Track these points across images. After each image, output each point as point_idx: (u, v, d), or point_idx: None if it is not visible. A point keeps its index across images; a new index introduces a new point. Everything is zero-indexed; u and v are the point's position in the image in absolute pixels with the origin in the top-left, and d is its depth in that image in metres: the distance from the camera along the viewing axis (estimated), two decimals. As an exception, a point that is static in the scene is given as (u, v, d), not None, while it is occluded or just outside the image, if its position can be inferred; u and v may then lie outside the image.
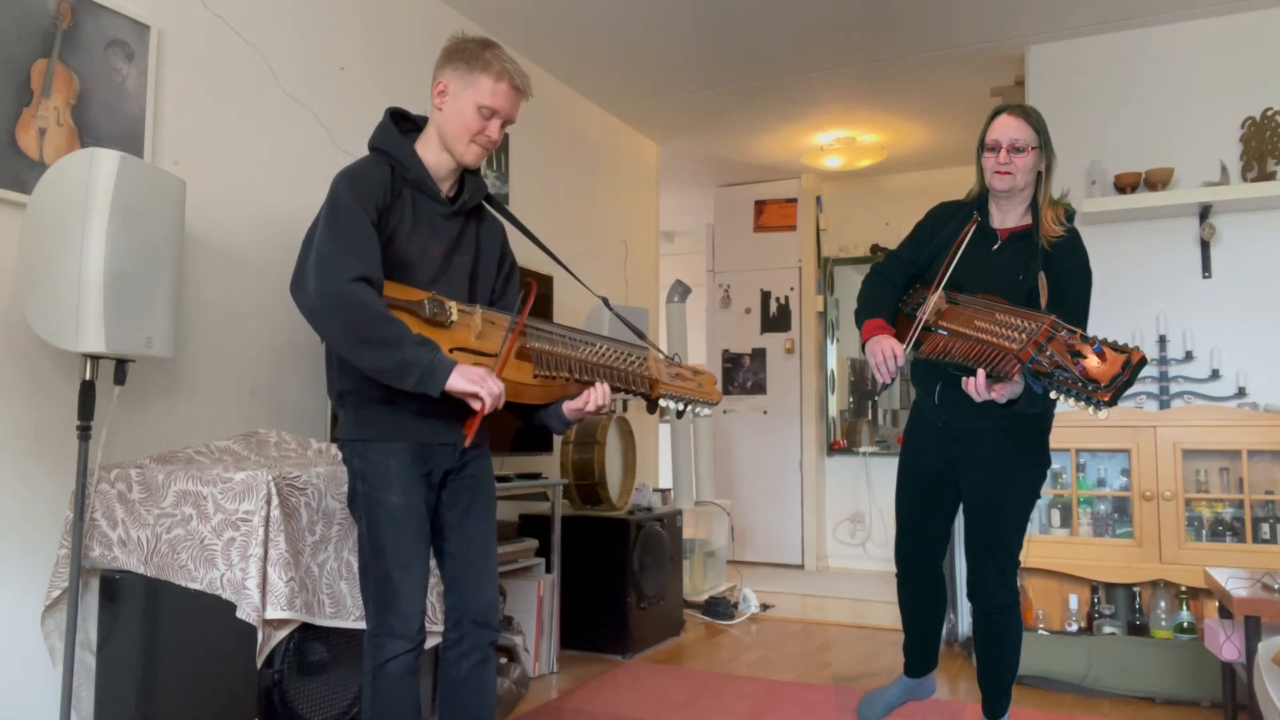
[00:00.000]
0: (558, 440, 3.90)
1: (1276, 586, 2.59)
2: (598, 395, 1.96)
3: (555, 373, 1.95)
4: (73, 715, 2.11)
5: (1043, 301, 2.30)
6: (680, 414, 2.10)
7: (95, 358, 2.11)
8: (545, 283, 3.71)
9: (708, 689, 3.28)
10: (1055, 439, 2.57)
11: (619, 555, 3.74)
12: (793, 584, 5.54)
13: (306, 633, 2.09)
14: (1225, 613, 2.79)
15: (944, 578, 2.78)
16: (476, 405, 1.79)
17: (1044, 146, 2.43)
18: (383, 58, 3.41)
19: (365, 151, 1.96)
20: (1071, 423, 3.36)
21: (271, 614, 1.95)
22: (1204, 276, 3.74)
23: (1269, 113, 3.65)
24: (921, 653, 2.84)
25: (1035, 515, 3.45)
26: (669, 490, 4.79)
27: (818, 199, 6.42)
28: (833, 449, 6.32)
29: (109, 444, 2.29)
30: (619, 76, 4.57)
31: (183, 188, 2.22)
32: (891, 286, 2.61)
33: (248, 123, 2.87)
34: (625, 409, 4.62)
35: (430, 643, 2.08)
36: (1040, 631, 3.40)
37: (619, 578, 3.74)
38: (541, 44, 4.16)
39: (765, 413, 6.31)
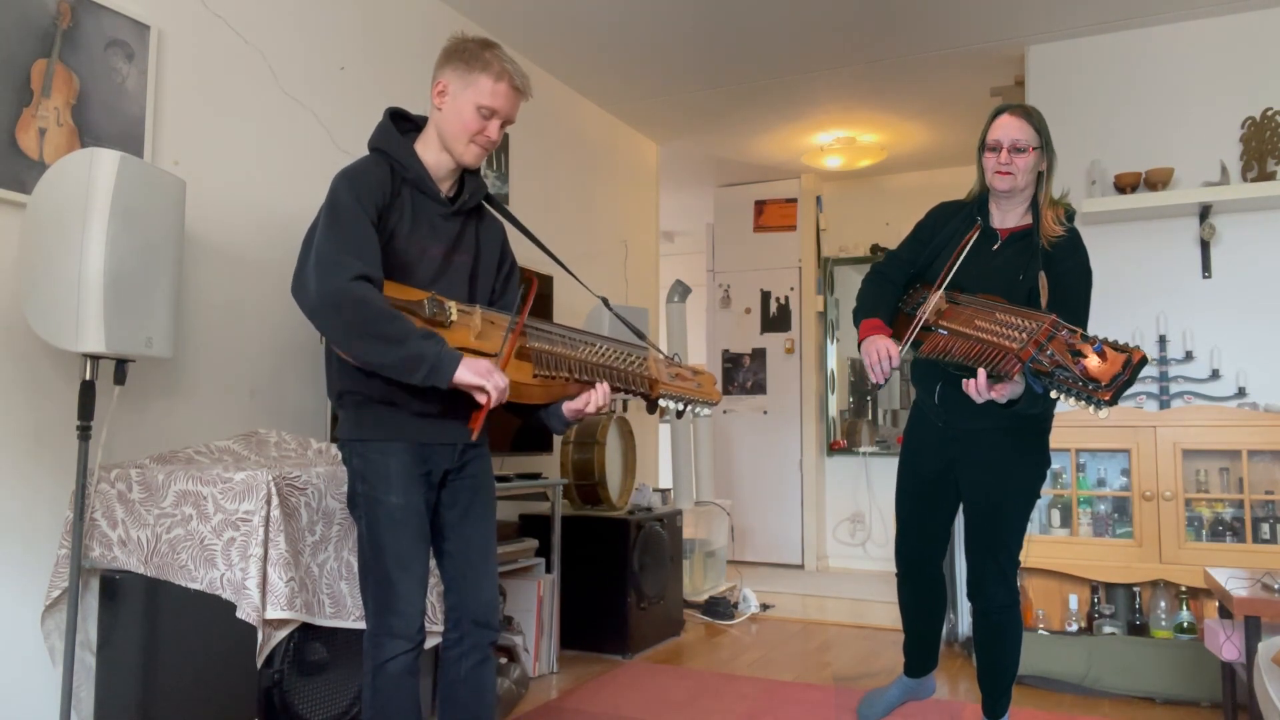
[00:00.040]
0: (558, 440, 3.90)
1: (1276, 586, 2.59)
2: (598, 397, 1.96)
3: (555, 373, 1.95)
4: (73, 715, 2.11)
5: (1043, 301, 2.30)
6: (680, 414, 2.10)
7: (95, 358, 2.11)
8: (545, 283, 3.71)
9: (708, 689, 3.28)
10: (1055, 439, 2.57)
11: (619, 555, 3.74)
12: (793, 584, 5.54)
13: (306, 633, 2.09)
14: (1225, 613, 2.79)
15: (944, 578, 2.78)
16: (482, 399, 1.79)
17: (1045, 147, 2.43)
18: (383, 58, 3.41)
19: (365, 151, 1.96)
20: (1071, 423, 3.36)
21: (271, 614, 1.95)
22: (1204, 276, 3.74)
23: (1269, 113, 3.65)
24: (921, 653, 2.84)
25: (1035, 515, 3.45)
26: (669, 490, 4.78)
27: (818, 199, 6.42)
28: (833, 449, 6.32)
29: (109, 444, 2.29)
30: (619, 76, 4.57)
31: (183, 188, 2.22)
32: (891, 286, 2.61)
33: (248, 123, 2.87)
34: (625, 409, 4.62)
35: (430, 643, 2.08)
36: (1040, 631, 3.40)
37: (619, 578, 3.74)
38: (541, 44, 4.16)
39: (765, 413, 6.31)
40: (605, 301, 2.30)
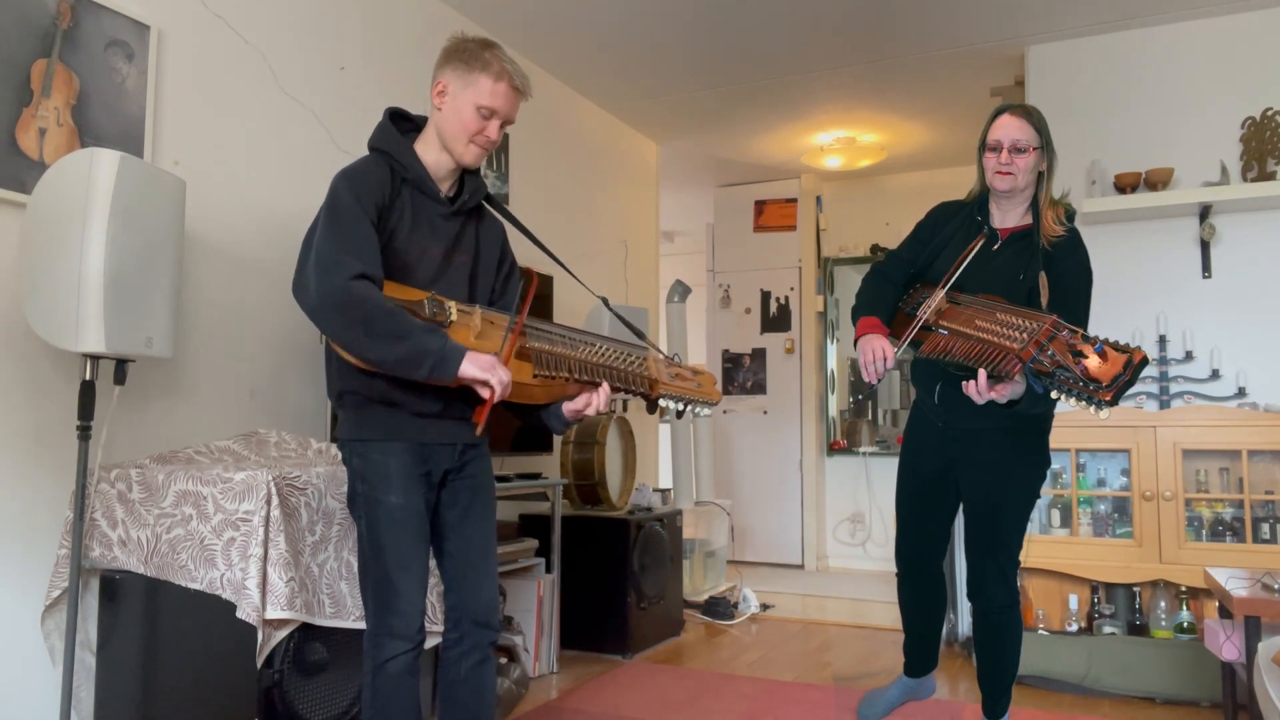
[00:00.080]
0: (558, 440, 3.90)
1: (1276, 586, 2.59)
2: (599, 400, 1.96)
3: (555, 372, 1.95)
4: (73, 715, 2.11)
5: (1043, 301, 2.30)
6: (680, 414, 2.10)
7: (95, 358, 2.11)
8: (545, 283, 3.71)
9: (708, 689, 3.28)
10: (1055, 439, 2.57)
11: (619, 555, 3.74)
12: (793, 584, 5.54)
13: (306, 633, 2.09)
14: (1225, 613, 2.79)
15: (944, 578, 2.78)
16: (485, 393, 1.79)
17: (1045, 147, 2.43)
18: (383, 58, 3.41)
19: (365, 151, 1.96)
20: (1071, 423, 3.36)
21: (271, 614, 1.95)
22: (1204, 276, 3.74)
23: (1269, 113, 3.65)
24: (921, 653, 2.84)
25: (1035, 515, 3.45)
26: (669, 490, 4.78)
27: (818, 199, 6.42)
28: (833, 449, 6.32)
29: (109, 444, 2.29)
30: (619, 76, 4.57)
31: (183, 188, 2.22)
32: (891, 286, 2.60)
33: (248, 123, 2.87)
34: (625, 409, 4.62)
35: (430, 643, 2.08)
36: (1040, 631, 3.40)
37: (619, 578, 3.74)
38: (541, 44, 4.16)
39: (765, 413, 6.31)
40: (605, 301, 2.30)
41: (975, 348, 2.24)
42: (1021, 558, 2.56)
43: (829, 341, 6.42)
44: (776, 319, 6.36)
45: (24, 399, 2.25)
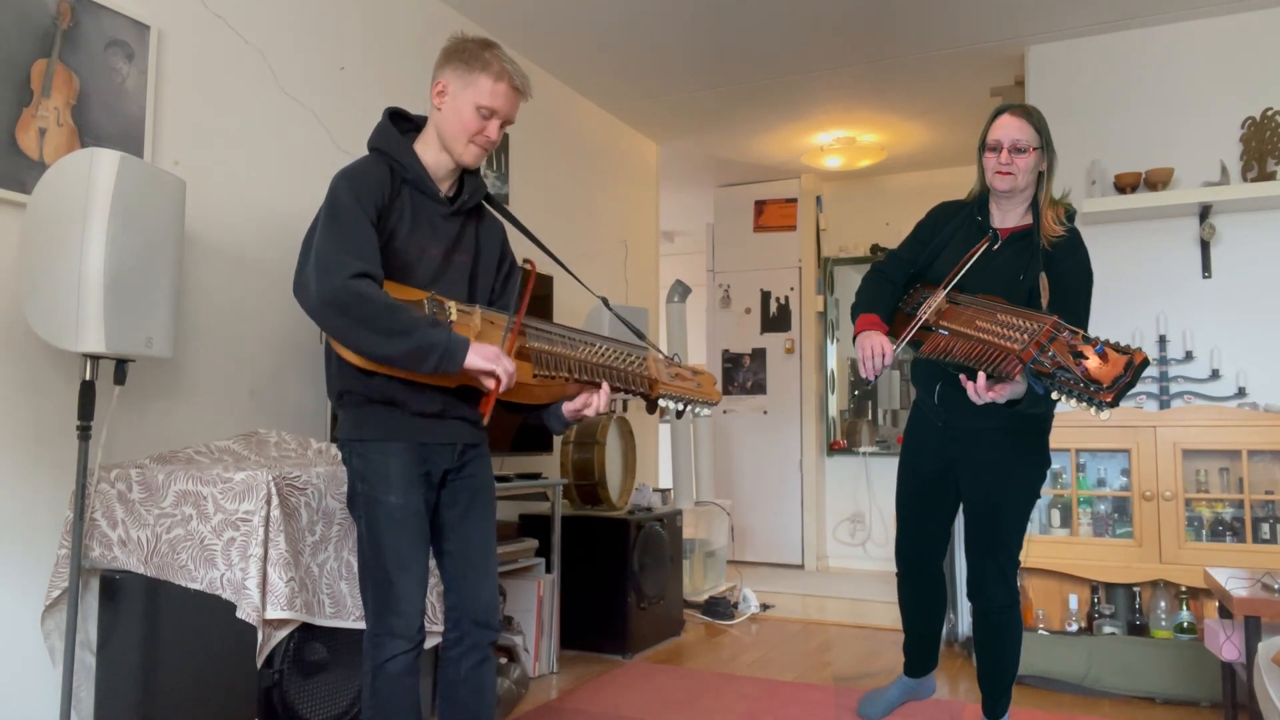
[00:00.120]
0: (558, 440, 3.90)
1: (1276, 586, 2.59)
2: (599, 400, 1.96)
3: (555, 372, 1.95)
4: (73, 715, 2.11)
5: (1044, 301, 2.30)
6: (680, 414, 2.10)
7: (95, 358, 2.11)
8: (545, 283, 3.71)
9: (708, 689, 3.28)
10: (1055, 439, 2.57)
11: (619, 555, 3.74)
12: (793, 584, 5.54)
13: (306, 633, 2.09)
14: (1225, 613, 2.79)
15: (944, 578, 2.79)
16: (490, 384, 1.80)
17: (1045, 147, 2.43)
18: (383, 58, 3.41)
19: (365, 151, 1.96)
20: (1071, 423, 3.36)
21: (271, 614, 1.95)
22: (1204, 276, 3.74)
23: (1269, 113, 3.65)
24: (921, 653, 2.85)
25: (1035, 515, 3.45)
26: (669, 490, 4.78)
27: (818, 199, 6.42)
28: (833, 449, 6.32)
29: (109, 444, 2.29)
30: (619, 76, 4.57)
31: (183, 188, 2.22)
32: (891, 285, 2.61)
33: (248, 123, 2.87)
34: (625, 409, 4.62)
35: (430, 643, 2.08)
36: (1040, 631, 3.40)
37: (619, 578, 3.74)
38: (541, 44, 4.16)
39: (765, 413, 6.31)
40: (605, 301, 2.30)
41: (976, 348, 2.24)
42: (1021, 558, 2.56)
43: (829, 341, 6.42)
44: (776, 319, 6.36)
45: (24, 399, 2.25)
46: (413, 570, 1.88)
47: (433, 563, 2.02)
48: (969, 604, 2.62)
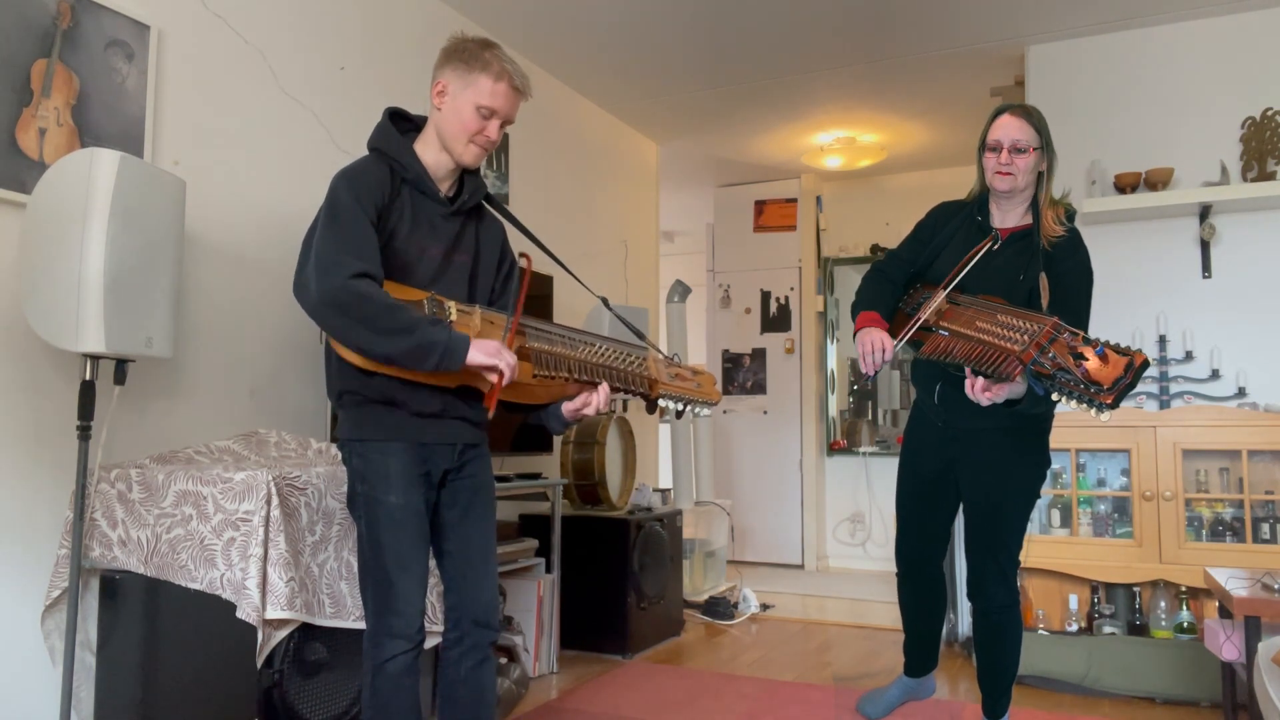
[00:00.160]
0: (558, 440, 3.90)
1: (1276, 586, 2.59)
2: (598, 399, 1.96)
3: (555, 373, 1.95)
4: (73, 715, 2.11)
5: (1044, 302, 2.30)
6: (680, 414, 2.10)
7: (95, 358, 2.11)
8: (545, 283, 3.71)
9: (708, 689, 3.28)
10: (1055, 439, 2.57)
11: (619, 555, 3.74)
12: (793, 584, 5.54)
13: (306, 633, 2.09)
14: (1225, 613, 2.79)
15: (944, 578, 2.78)
16: (494, 378, 1.80)
17: (1045, 147, 2.43)
18: (383, 58, 3.41)
19: (365, 151, 1.96)
20: (1071, 423, 3.36)
21: (271, 614, 1.95)
22: (1204, 276, 3.74)
23: (1269, 113, 3.65)
24: (921, 653, 2.85)
25: (1035, 515, 3.45)
26: (669, 490, 4.78)
27: (818, 199, 6.42)
28: (833, 449, 6.32)
29: (109, 444, 2.29)
30: (619, 76, 4.57)
31: (183, 188, 2.22)
32: (891, 285, 2.60)
33: (248, 123, 2.87)
34: (625, 409, 4.62)
35: (430, 643, 2.08)
36: (1040, 631, 3.40)
37: (619, 578, 3.74)
38: (541, 44, 4.16)
39: (765, 413, 6.31)
40: (605, 301, 2.30)
41: (976, 349, 2.24)
42: (1021, 558, 2.56)
43: (829, 341, 6.42)
44: (776, 319, 6.36)
45: (24, 399, 2.25)
46: (413, 570, 1.89)
47: (433, 563, 2.02)
48: (969, 604, 2.62)
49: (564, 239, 4.55)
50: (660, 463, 5.69)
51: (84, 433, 2.10)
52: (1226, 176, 3.67)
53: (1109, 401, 2.01)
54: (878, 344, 2.36)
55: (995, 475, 2.49)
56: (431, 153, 1.95)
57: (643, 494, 4.21)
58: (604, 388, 1.98)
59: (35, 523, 2.26)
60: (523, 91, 1.96)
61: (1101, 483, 3.62)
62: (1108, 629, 3.37)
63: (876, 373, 2.35)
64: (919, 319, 2.41)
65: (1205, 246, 3.73)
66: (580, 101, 4.83)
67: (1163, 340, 3.75)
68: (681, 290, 5.18)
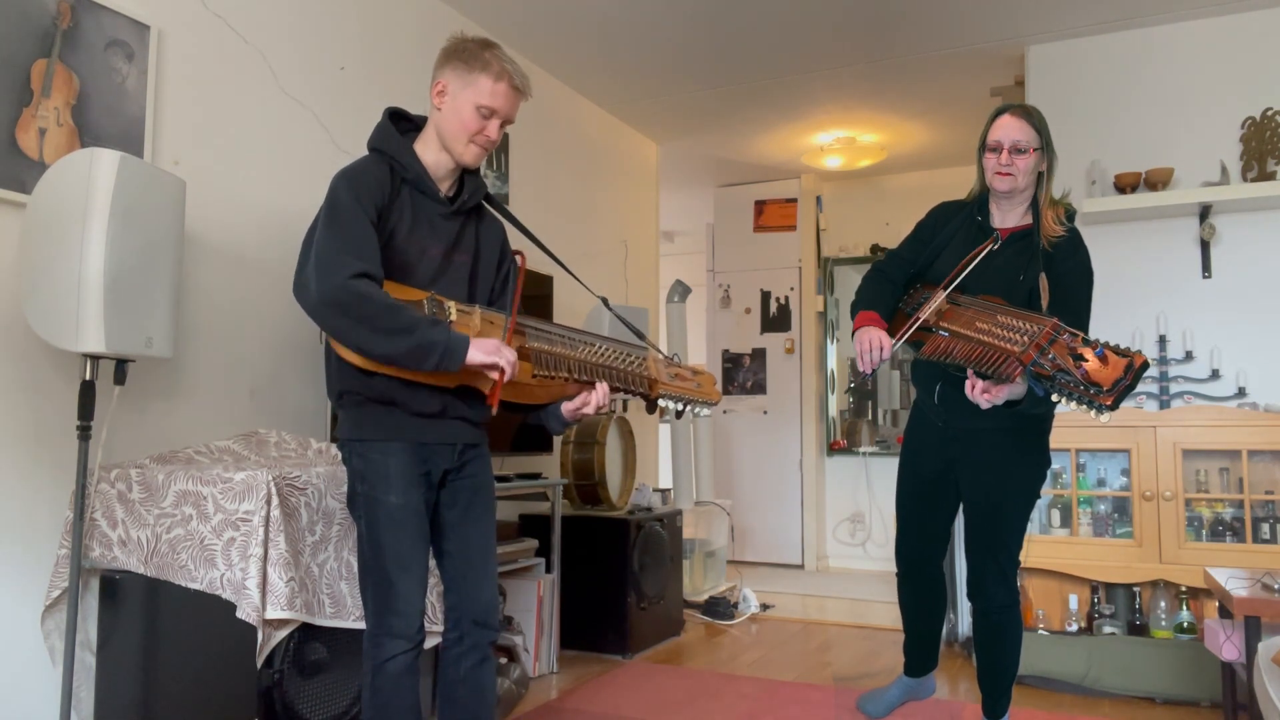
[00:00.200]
0: (558, 440, 3.90)
1: (1276, 586, 2.59)
2: (597, 397, 1.96)
3: (554, 372, 1.95)
4: (73, 715, 2.11)
5: (1044, 302, 2.30)
6: (679, 414, 2.10)
7: (95, 358, 2.11)
8: (545, 283, 3.72)
9: (708, 689, 3.28)
10: (1055, 439, 2.57)
11: (619, 555, 3.74)
12: (793, 584, 5.54)
13: (306, 633, 2.09)
14: (1225, 613, 2.79)
15: (944, 577, 2.78)
16: (495, 375, 1.80)
17: (1046, 147, 2.43)
18: (383, 58, 3.41)
19: (365, 151, 1.96)
20: (1071, 423, 3.36)
21: (271, 614, 1.95)
22: (1204, 276, 3.74)
23: (1269, 113, 3.65)
24: (921, 652, 2.85)
25: (1035, 515, 3.45)
26: (669, 490, 4.79)
27: (818, 199, 6.42)
28: (833, 449, 6.32)
29: (109, 444, 2.28)
30: (619, 76, 4.57)
31: (183, 188, 2.22)
32: (891, 285, 2.60)
33: (248, 123, 2.87)
34: (625, 409, 4.62)
35: (430, 642, 2.08)
36: (1040, 631, 3.40)
37: (619, 578, 3.74)
38: (541, 44, 4.16)
39: (765, 413, 6.31)
40: (605, 301, 2.30)
41: (976, 350, 2.24)
42: (1021, 558, 2.56)
43: (829, 341, 6.42)
44: (776, 319, 6.36)
45: (24, 399, 2.25)
46: (413, 570, 1.89)
47: (433, 563, 2.02)
48: (969, 604, 2.62)
49: (564, 239, 4.56)
50: (660, 463, 5.70)
51: (84, 433, 2.10)
52: (1226, 176, 3.67)
53: (1108, 403, 2.01)
54: (875, 343, 2.36)
55: (995, 475, 2.49)
56: (431, 152, 1.95)
57: (643, 494, 4.21)
58: (603, 386, 1.98)
59: (35, 523, 2.26)
60: (523, 91, 1.96)
61: (1101, 483, 3.62)
62: (1108, 629, 3.37)
63: (874, 371, 2.35)
64: (918, 319, 2.41)
65: (1205, 246, 3.73)
66: (580, 101, 4.83)
67: (1163, 340, 3.75)
68: (681, 290, 5.18)
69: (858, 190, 6.49)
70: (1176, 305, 3.76)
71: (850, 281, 6.28)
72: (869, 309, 2.51)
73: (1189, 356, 3.71)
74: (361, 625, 2.01)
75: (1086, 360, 2.07)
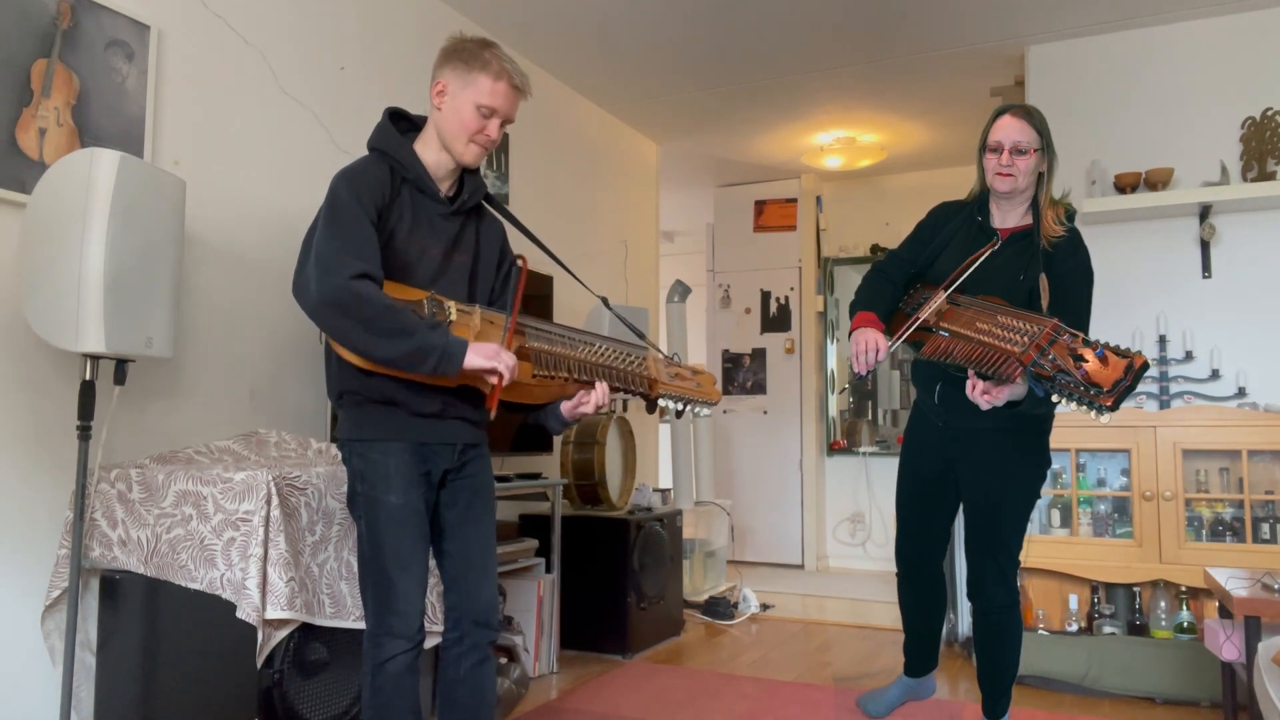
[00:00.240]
0: (558, 440, 3.90)
1: (1276, 586, 2.59)
2: (597, 395, 1.96)
3: (554, 372, 1.95)
4: (73, 715, 2.11)
5: (1044, 302, 2.30)
6: (679, 414, 2.10)
7: (95, 358, 2.11)
8: (545, 283, 3.71)
9: (708, 689, 3.28)
10: (1055, 439, 2.57)
11: (619, 555, 3.74)
12: (793, 584, 5.54)
13: (306, 633, 2.09)
14: (1225, 613, 2.79)
15: (944, 578, 2.78)
16: (494, 380, 1.80)
17: (1046, 148, 2.43)
18: (383, 58, 3.41)
19: (365, 151, 1.96)
20: (1071, 423, 3.35)
21: (271, 614, 1.95)
22: (1204, 276, 3.74)
23: (1269, 113, 3.65)
24: (921, 653, 2.85)
25: (1035, 515, 3.45)
26: (669, 490, 4.78)
27: (818, 199, 6.42)
28: (833, 449, 6.32)
29: (109, 444, 2.29)
30: (619, 76, 4.57)
31: (183, 188, 2.22)
32: (890, 285, 2.60)
33: (248, 123, 2.87)
34: (625, 409, 4.62)
35: (430, 642, 2.08)
36: (1040, 631, 3.40)
37: (619, 578, 3.74)
38: (541, 44, 4.16)
39: (765, 413, 6.31)
40: (605, 301, 2.30)
41: (976, 350, 2.24)
42: (1021, 558, 2.56)
43: (829, 341, 6.42)
44: (776, 319, 6.36)
45: (24, 399, 2.25)
46: (413, 570, 1.89)
47: (433, 563, 2.02)
48: (969, 604, 2.62)
49: (564, 239, 4.56)
50: (660, 463, 5.70)
51: (84, 433, 2.10)
52: (1226, 176, 3.67)
53: (1109, 404, 2.01)
54: (871, 344, 2.37)
55: (995, 475, 2.49)
56: (431, 152, 1.95)
57: (643, 494, 4.21)
58: (603, 385, 1.98)
59: (35, 523, 2.26)
60: (522, 90, 1.96)
61: (1101, 483, 3.62)
62: (1108, 629, 3.37)
63: (869, 373, 2.36)
64: (917, 319, 2.41)
65: (1205, 246, 3.73)
66: (580, 101, 4.83)
67: (1163, 340, 3.75)
68: (681, 290, 5.18)
69: (858, 190, 6.49)
70: (1176, 305, 3.76)
71: (850, 281, 6.28)
72: (867, 310, 2.51)
73: (1189, 356, 3.71)
74: (361, 625, 2.01)
75: (1087, 361, 2.07)
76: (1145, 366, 2.03)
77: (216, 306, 2.73)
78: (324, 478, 2.16)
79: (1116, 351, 2.06)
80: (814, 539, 6.13)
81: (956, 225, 2.56)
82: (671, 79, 4.60)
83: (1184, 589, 3.28)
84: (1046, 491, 3.49)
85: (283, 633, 2.00)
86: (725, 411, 6.38)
